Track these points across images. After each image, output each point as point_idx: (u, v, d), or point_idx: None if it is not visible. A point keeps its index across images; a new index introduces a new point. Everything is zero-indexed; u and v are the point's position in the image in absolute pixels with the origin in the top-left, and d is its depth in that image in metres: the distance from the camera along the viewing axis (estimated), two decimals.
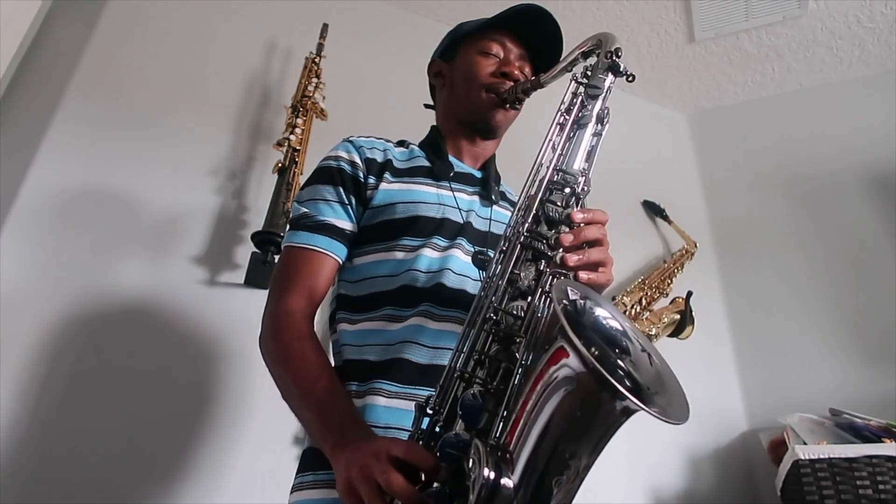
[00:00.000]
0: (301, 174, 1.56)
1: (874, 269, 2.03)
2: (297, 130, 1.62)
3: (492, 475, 0.52)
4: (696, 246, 2.22)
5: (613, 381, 0.52)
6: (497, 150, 1.12)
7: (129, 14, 1.72)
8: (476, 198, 1.01)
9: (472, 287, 0.88)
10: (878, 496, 1.41)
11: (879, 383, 1.83)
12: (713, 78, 2.48)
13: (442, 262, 0.89)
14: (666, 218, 2.27)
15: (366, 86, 1.98)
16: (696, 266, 2.20)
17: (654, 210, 2.29)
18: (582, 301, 0.64)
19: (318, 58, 1.82)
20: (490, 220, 0.99)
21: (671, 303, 2.04)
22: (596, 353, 0.59)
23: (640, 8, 2.21)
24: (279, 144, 1.60)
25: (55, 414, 1.23)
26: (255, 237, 1.46)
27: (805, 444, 1.55)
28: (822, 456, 1.48)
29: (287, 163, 1.57)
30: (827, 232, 2.16)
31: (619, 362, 0.62)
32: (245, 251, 1.52)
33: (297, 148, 1.60)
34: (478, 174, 1.06)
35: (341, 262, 0.92)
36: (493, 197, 1.04)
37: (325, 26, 1.88)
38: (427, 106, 1.20)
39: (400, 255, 0.90)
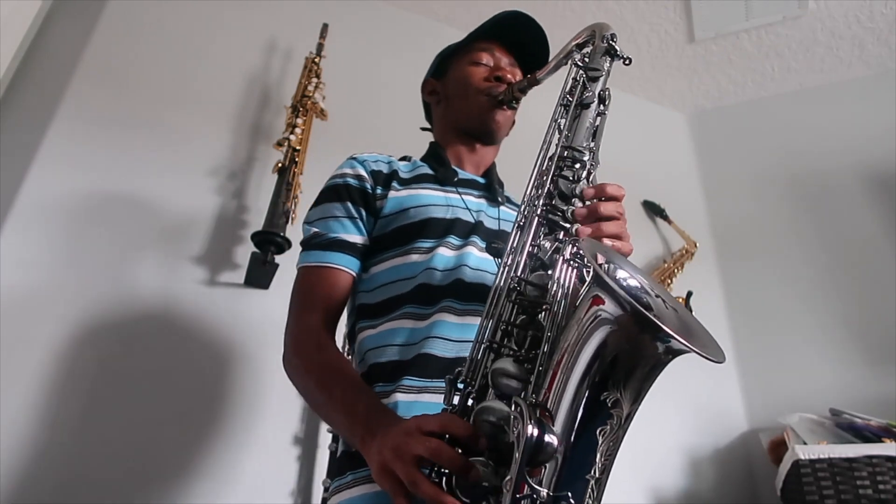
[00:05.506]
0: (301, 174, 1.56)
1: (874, 269, 2.03)
2: (297, 130, 1.62)
3: (535, 431, 0.51)
4: (696, 246, 2.22)
5: (655, 319, 0.52)
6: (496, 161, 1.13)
7: (129, 14, 1.71)
8: (483, 200, 1.02)
9: (491, 280, 0.88)
10: (878, 496, 1.41)
11: (879, 383, 1.83)
12: (713, 78, 2.48)
13: (458, 259, 0.89)
14: (666, 218, 2.27)
15: (366, 86, 1.98)
16: (696, 266, 2.20)
17: (654, 210, 2.29)
18: (605, 261, 0.65)
19: (318, 58, 1.82)
20: (499, 219, 0.99)
21: None
22: (633, 297, 0.60)
23: (640, 8, 2.20)
24: (279, 144, 1.60)
25: (55, 414, 1.23)
26: (255, 237, 1.46)
27: (805, 444, 1.55)
28: (822, 456, 1.48)
29: (287, 163, 1.56)
30: (827, 232, 2.16)
31: (653, 308, 0.62)
32: (245, 251, 1.52)
33: (297, 148, 1.59)
34: (481, 180, 1.07)
35: (355, 276, 0.92)
36: (500, 199, 1.04)
37: (325, 26, 1.88)
38: (424, 129, 1.21)
39: (415, 257, 0.90)
